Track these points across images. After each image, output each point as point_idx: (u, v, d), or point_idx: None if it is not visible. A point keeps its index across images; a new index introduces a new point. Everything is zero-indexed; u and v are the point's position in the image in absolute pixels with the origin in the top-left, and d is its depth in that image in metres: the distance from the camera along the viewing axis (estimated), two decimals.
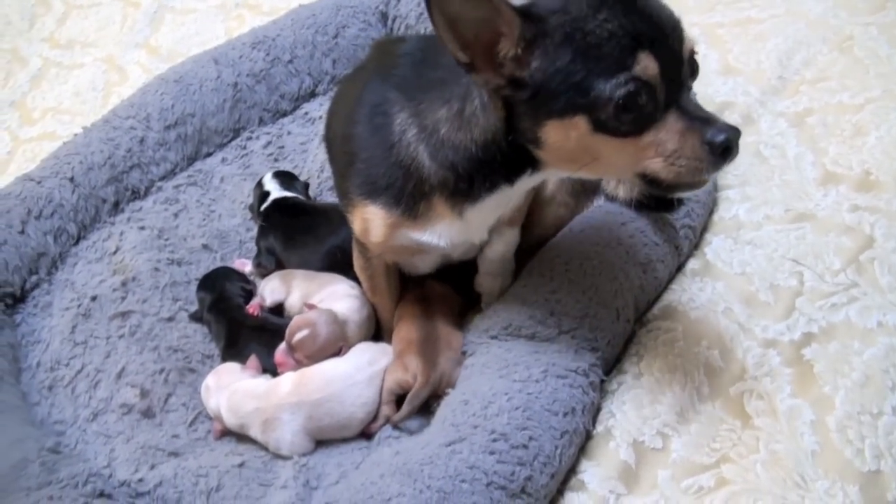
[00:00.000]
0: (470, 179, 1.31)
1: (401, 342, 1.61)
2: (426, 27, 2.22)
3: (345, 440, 1.56)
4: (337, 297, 1.67)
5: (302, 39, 2.20)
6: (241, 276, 1.83)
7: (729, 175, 1.88)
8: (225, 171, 2.05)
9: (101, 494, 1.39)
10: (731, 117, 1.99)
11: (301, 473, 1.48)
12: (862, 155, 1.83)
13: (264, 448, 1.56)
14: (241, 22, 2.65)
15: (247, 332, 1.69)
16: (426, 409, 1.54)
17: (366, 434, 1.56)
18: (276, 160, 2.09)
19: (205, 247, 1.91)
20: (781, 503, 1.31)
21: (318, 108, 2.17)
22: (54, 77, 2.54)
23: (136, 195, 1.97)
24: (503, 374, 1.43)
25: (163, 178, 2.01)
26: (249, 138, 2.12)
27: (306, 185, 2.03)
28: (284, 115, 2.18)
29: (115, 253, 1.85)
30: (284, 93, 2.18)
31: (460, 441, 1.31)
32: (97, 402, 1.63)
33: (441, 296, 1.66)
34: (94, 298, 1.77)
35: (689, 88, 1.19)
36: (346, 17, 2.25)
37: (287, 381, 1.56)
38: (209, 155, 2.09)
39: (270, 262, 1.85)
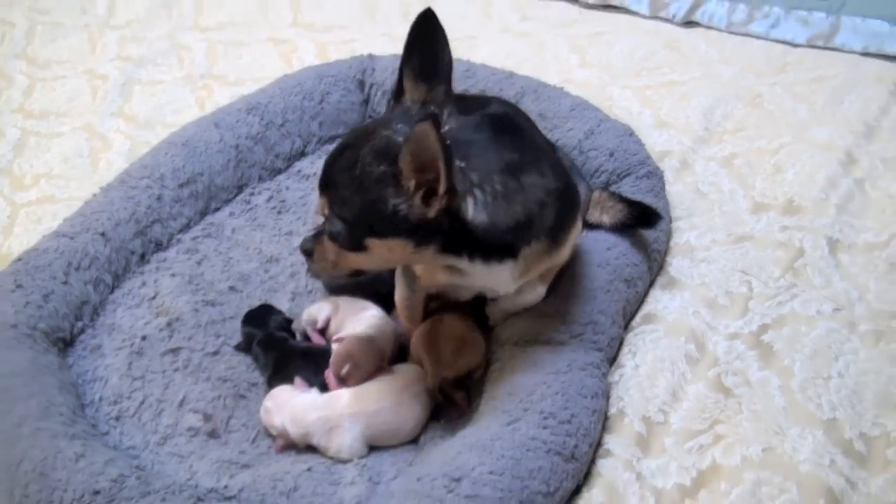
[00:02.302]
0: None
1: (413, 350, 1.98)
2: None
3: (393, 446, 1.87)
4: (362, 321, 2.00)
5: (291, 105, 2.55)
6: (279, 312, 2.13)
7: (677, 209, 2.34)
8: (234, 223, 2.35)
9: (199, 499, 1.64)
10: (670, 163, 2.48)
11: (364, 471, 1.79)
12: (783, 187, 2.35)
13: (323, 455, 1.86)
14: (210, 91, 2.96)
15: (294, 360, 1.99)
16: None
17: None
18: (279, 212, 2.41)
19: (231, 289, 2.19)
20: (767, 446, 1.73)
21: (310, 166, 2.51)
22: (35, 145, 2.75)
23: (160, 247, 2.24)
24: (535, 370, 1.80)
25: (181, 231, 2.28)
26: (252, 193, 2.43)
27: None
28: (279, 172, 2.51)
29: (154, 298, 2.11)
30: (279, 153, 2.51)
31: (517, 421, 1.68)
32: (164, 428, 1.88)
33: (447, 327, 1.98)
34: (143, 338, 2.02)
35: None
36: (328, 85, 2.61)
37: (345, 393, 1.87)
38: (217, 210, 2.38)
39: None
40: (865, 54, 2.90)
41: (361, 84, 2.69)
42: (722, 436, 1.77)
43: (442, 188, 1.49)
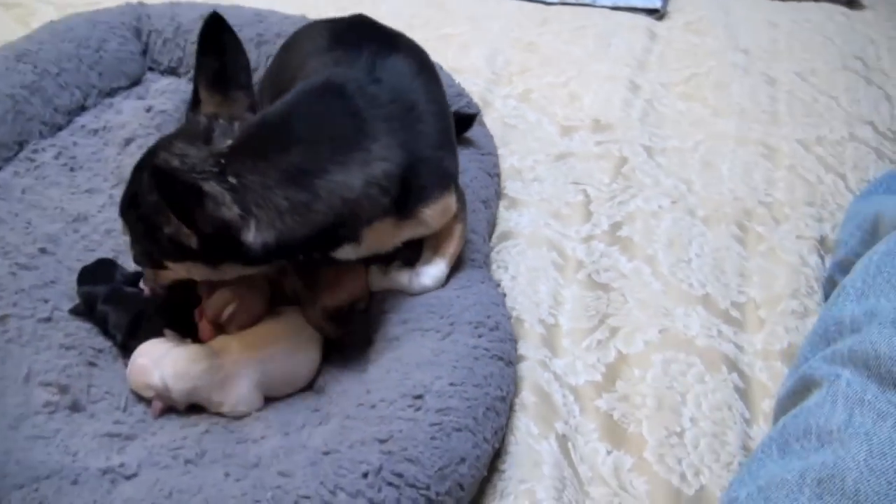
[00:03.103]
0: None
1: (285, 284, 1.81)
2: (185, 40, 2.39)
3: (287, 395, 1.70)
4: None
5: (66, 53, 2.21)
6: (120, 266, 1.83)
7: (496, 140, 2.37)
8: (22, 183, 1.98)
9: (112, 481, 1.38)
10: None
11: (270, 424, 1.59)
12: (584, 111, 2.53)
13: (212, 413, 1.63)
14: None
15: (151, 316, 1.72)
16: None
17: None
18: (71, 169, 2.08)
19: (42, 251, 1.84)
20: (661, 328, 1.82)
21: (94, 120, 2.20)
22: None
23: None
24: (440, 289, 1.74)
25: None
26: (35, 150, 2.06)
27: None
28: (61, 128, 2.16)
29: None
30: (58, 106, 2.17)
31: (450, 334, 1.59)
32: (13, 409, 1.52)
33: None
34: None
35: None
36: (103, 32, 2.31)
37: (232, 340, 1.66)
38: None
39: None
40: (615, 8, 3.16)
41: (138, 32, 2.41)
42: (617, 327, 1.84)
43: (186, 237, 1.43)
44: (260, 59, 2.38)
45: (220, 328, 1.69)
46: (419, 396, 1.45)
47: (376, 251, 1.70)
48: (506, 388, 1.55)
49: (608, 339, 1.81)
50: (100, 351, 1.72)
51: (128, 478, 1.41)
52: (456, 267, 1.81)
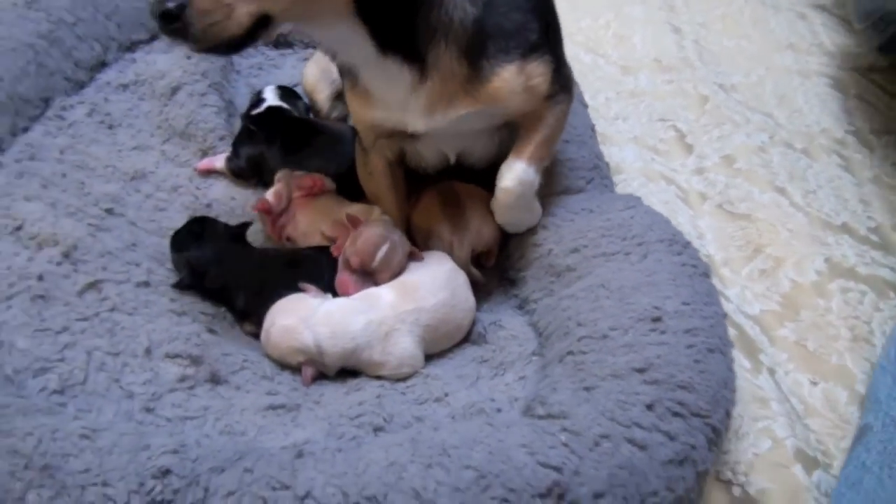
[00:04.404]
0: None
1: (422, 223, 1.54)
2: None
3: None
4: (374, 215, 1.51)
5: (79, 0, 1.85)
6: (216, 220, 1.50)
7: None
8: (59, 143, 1.61)
9: (299, 455, 1.06)
10: None
11: (448, 381, 1.32)
12: (639, 52, 2.31)
13: (371, 376, 1.34)
14: None
15: (276, 272, 1.41)
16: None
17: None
18: (110, 127, 1.72)
19: (109, 212, 1.50)
20: (826, 256, 1.68)
21: (119, 76, 1.85)
22: None
23: None
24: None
25: None
26: (64, 108, 1.71)
27: (308, 108, 1.80)
28: (84, 85, 1.80)
29: (20, 228, 1.34)
30: (78, 60, 1.80)
31: (647, 255, 1.36)
32: (140, 388, 1.19)
33: (466, 191, 1.56)
34: (40, 278, 1.27)
35: None
36: None
37: (386, 291, 1.37)
38: (27, 129, 1.63)
39: (249, 172, 1.65)
40: None
41: None
42: (780, 257, 1.67)
43: None
44: None
45: (365, 278, 1.40)
46: (657, 319, 1.21)
47: (448, 126, 1.36)
48: (722, 309, 1.32)
49: (774, 268, 1.63)
50: (213, 316, 1.41)
51: (338, 451, 1.09)
52: (597, 188, 1.60)
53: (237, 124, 1.81)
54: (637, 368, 1.13)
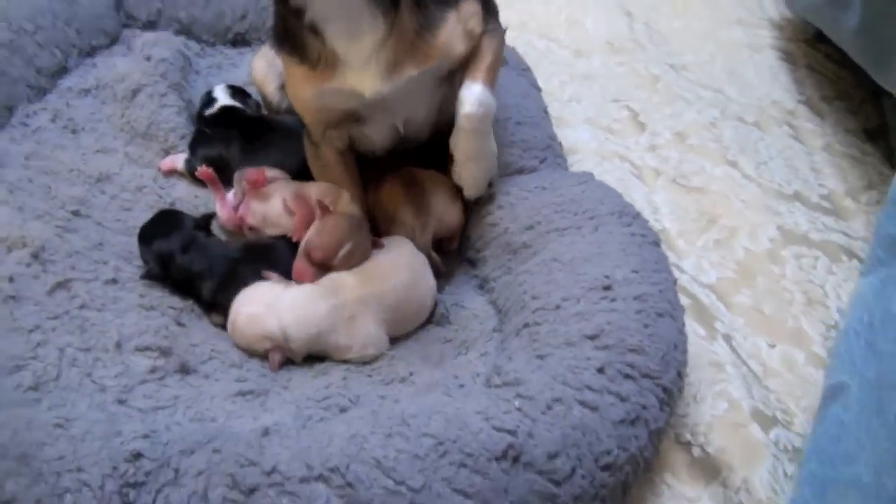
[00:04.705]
0: None
1: (386, 208, 1.57)
2: None
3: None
4: (343, 201, 1.54)
5: (38, 7, 1.87)
6: (182, 213, 1.53)
7: None
8: (23, 149, 1.63)
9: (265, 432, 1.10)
10: None
11: (412, 361, 1.37)
12: (591, 35, 2.37)
13: (335, 360, 1.37)
14: None
15: (242, 262, 1.45)
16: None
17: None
18: (73, 132, 1.74)
19: (76, 214, 1.52)
20: (777, 224, 1.73)
21: (80, 81, 1.87)
22: None
23: None
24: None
25: None
26: (28, 115, 1.73)
27: (259, 105, 1.81)
28: (46, 91, 1.82)
29: None
30: (40, 68, 1.82)
31: (598, 228, 1.41)
32: (112, 381, 1.22)
33: (428, 176, 1.59)
34: (10, 279, 1.30)
35: None
36: None
37: (347, 276, 1.41)
38: None
39: None
40: None
41: None
42: (735, 226, 1.73)
43: None
44: (248, 2, 2.12)
45: (324, 269, 1.43)
46: (608, 287, 1.25)
47: (403, 87, 1.36)
48: (672, 275, 1.37)
49: (728, 238, 1.68)
50: (181, 310, 1.43)
51: (284, 431, 1.13)
52: (550, 167, 1.64)
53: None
54: (588, 335, 1.18)
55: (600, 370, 1.11)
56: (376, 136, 1.53)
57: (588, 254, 1.33)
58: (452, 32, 1.36)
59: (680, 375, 1.20)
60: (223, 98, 1.76)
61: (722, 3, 2.54)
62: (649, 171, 1.86)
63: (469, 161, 1.49)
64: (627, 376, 1.12)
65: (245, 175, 1.54)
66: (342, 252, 1.41)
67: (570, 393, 1.07)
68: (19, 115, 1.72)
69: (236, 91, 1.82)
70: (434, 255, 1.52)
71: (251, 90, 1.88)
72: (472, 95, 1.40)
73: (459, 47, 1.38)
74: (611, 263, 1.30)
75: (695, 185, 1.82)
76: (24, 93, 1.77)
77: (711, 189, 1.81)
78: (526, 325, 1.26)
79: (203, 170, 1.57)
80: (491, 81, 1.43)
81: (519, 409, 1.04)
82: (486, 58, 1.42)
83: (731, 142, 1.95)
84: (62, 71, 1.89)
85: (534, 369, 1.12)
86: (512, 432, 1.01)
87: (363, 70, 1.33)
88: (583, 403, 1.07)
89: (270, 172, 1.57)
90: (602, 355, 1.14)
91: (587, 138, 1.94)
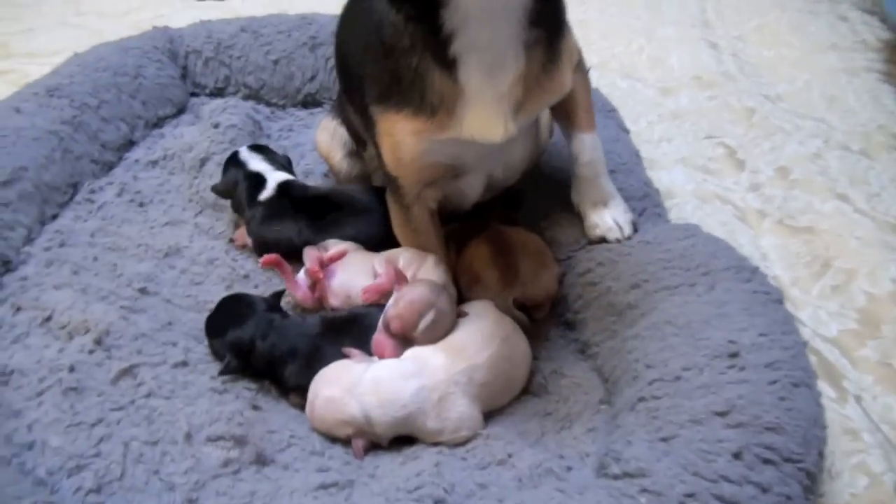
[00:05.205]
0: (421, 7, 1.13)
1: (470, 269, 1.42)
2: (229, 56, 2.01)
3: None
4: (428, 267, 1.39)
5: (102, 83, 1.82)
6: (249, 295, 1.41)
7: None
8: (89, 226, 1.56)
9: None
10: None
11: (511, 440, 1.20)
12: (677, 71, 2.22)
13: (425, 442, 1.22)
14: None
15: (324, 340, 1.31)
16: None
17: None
18: (140, 205, 1.66)
19: (142, 291, 1.42)
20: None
21: (147, 153, 1.80)
22: None
23: (8, 267, 1.42)
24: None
25: (25, 244, 1.47)
26: (93, 191, 1.66)
27: (288, 161, 1.70)
28: (113, 165, 1.76)
29: (49, 319, 1.28)
30: (105, 142, 1.76)
31: (714, 286, 1.24)
32: (184, 479, 1.09)
33: (519, 238, 1.44)
34: (71, 369, 1.19)
35: None
36: (137, 58, 1.92)
37: (432, 351, 1.26)
38: (56, 217, 1.58)
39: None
40: None
41: (173, 55, 2.03)
42: (852, 269, 1.53)
43: None
44: (318, 63, 2.02)
45: (405, 341, 1.29)
46: (735, 355, 1.08)
47: (520, 130, 1.24)
48: (801, 337, 1.18)
49: (846, 282, 1.49)
50: (256, 391, 1.30)
51: None
52: (650, 218, 1.49)
53: None
54: (718, 412, 1.00)
55: (736, 455, 0.94)
56: (471, 189, 1.41)
57: (706, 315, 1.16)
58: (566, 67, 1.27)
59: (821, 455, 1.01)
60: (272, 175, 1.58)
61: (811, 29, 2.37)
62: (753, 212, 1.68)
63: (601, 207, 1.43)
64: (767, 461, 0.94)
65: (309, 261, 1.42)
66: (424, 323, 1.26)
67: (704, 486, 0.90)
68: (84, 192, 1.66)
69: (260, 149, 1.66)
70: (516, 311, 1.36)
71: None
72: (584, 144, 1.39)
73: (570, 83, 1.29)
74: (734, 326, 1.12)
75: (803, 225, 1.64)
76: (90, 168, 1.71)
77: (822, 228, 1.62)
78: (642, 399, 1.09)
79: (267, 258, 1.44)
80: (593, 125, 1.39)
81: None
82: (583, 99, 1.35)
83: (839, 173, 1.76)
84: (128, 144, 1.84)
85: (659, 456, 0.95)
86: None
87: (490, 112, 1.19)
88: (720, 498, 0.90)
89: (337, 247, 1.45)
90: (736, 436, 0.96)
91: (683, 180, 1.77)
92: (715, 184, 1.77)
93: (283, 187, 1.55)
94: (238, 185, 1.58)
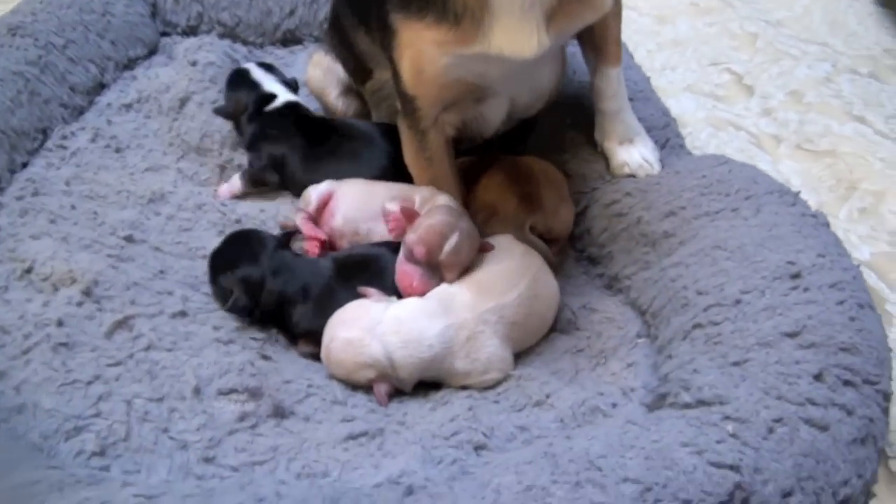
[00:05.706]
0: None
1: (486, 201, 1.32)
2: None
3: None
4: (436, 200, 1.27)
5: (68, 21, 1.65)
6: (259, 231, 1.30)
7: None
8: (63, 174, 1.41)
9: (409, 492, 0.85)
10: None
11: (546, 381, 1.11)
12: None
13: (452, 389, 1.12)
14: None
15: (336, 282, 1.19)
16: None
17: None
18: (117, 150, 1.52)
19: (128, 239, 1.29)
20: None
21: (120, 96, 1.65)
22: None
23: None
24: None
25: None
26: (65, 137, 1.51)
27: (295, 81, 1.58)
28: (83, 110, 1.60)
29: (30, 271, 1.14)
30: (74, 85, 1.61)
31: (760, 208, 1.15)
32: (197, 436, 0.98)
33: (540, 168, 1.34)
34: (60, 323, 1.06)
35: None
36: None
37: (458, 288, 1.15)
38: (26, 165, 1.43)
39: (274, 177, 1.44)
40: None
41: None
42: (880, 190, 1.46)
43: None
44: None
45: (431, 273, 1.17)
46: (797, 276, 0.99)
47: (551, 48, 1.12)
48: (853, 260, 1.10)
49: (875, 204, 1.41)
50: (263, 341, 1.18)
51: (430, 486, 0.87)
52: (672, 149, 1.39)
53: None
54: (787, 333, 0.91)
55: (817, 377, 0.85)
56: (493, 115, 1.30)
57: (759, 238, 1.07)
58: None
59: (891, 377, 0.94)
60: (283, 93, 1.51)
61: None
62: (767, 138, 1.60)
63: (628, 144, 1.35)
64: (847, 383, 0.86)
65: (305, 228, 1.31)
66: (448, 245, 1.14)
67: (791, 410, 0.81)
68: (55, 138, 1.50)
69: (268, 68, 1.58)
70: (541, 244, 1.26)
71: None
72: (610, 80, 1.31)
73: (610, 1, 1.17)
74: (791, 248, 1.04)
75: (824, 149, 1.56)
76: (59, 112, 1.55)
77: (843, 151, 1.55)
78: (698, 326, 1.00)
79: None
80: (621, 58, 1.31)
81: (735, 437, 0.78)
82: (616, 30, 1.27)
83: (853, 96, 1.68)
84: (99, 87, 1.68)
85: (735, 381, 0.86)
86: (735, 468, 0.75)
87: (521, 23, 1.07)
88: (809, 422, 0.81)
89: (316, 191, 1.35)
90: (812, 356, 0.88)
91: (693, 107, 1.68)
92: (725, 110, 1.68)
93: (290, 106, 1.46)
94: (247, 108, 1.48)
